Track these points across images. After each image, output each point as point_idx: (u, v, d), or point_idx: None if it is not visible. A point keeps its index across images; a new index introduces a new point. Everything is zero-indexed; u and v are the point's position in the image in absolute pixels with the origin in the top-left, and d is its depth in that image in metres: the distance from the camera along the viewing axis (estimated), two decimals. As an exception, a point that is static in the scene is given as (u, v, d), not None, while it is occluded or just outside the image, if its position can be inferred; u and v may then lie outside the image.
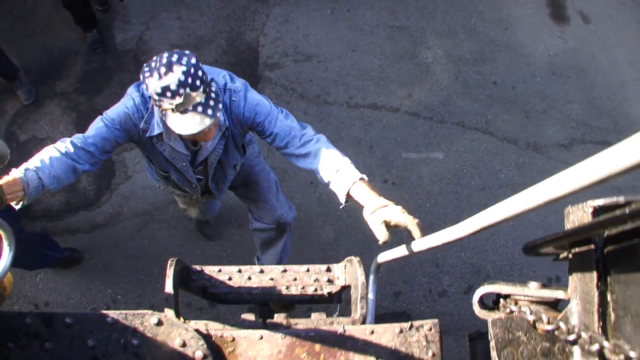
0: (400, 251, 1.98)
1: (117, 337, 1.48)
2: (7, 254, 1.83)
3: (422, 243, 1.85)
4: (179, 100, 2.14)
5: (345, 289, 2.01)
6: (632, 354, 1.02)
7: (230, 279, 1.91)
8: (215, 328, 1.58)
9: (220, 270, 1.92)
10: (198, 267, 1.92)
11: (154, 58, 2.21)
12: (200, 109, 2.19)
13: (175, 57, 2.15)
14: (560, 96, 5.33)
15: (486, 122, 5.11)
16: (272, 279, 1.94)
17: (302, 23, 5.46)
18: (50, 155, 2.27)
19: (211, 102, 2.22)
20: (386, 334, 1.60)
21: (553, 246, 1.52)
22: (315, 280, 1.99)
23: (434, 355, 1.61)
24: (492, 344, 1.37)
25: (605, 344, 1.12)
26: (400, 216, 1.97)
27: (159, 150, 2.60)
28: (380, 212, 2.03)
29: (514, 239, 4.64)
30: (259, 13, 5.44)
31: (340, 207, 2.40)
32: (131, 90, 2.48)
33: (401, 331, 1.61)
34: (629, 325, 1.23)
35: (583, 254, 1.41)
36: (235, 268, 1.95)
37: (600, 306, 1.33)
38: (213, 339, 1.54)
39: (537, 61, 5.49)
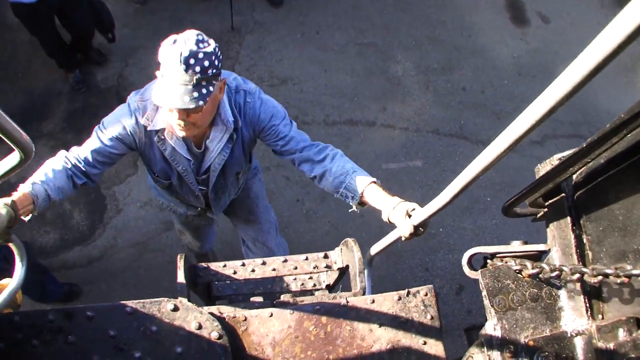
0: (389, 238, 2.11)
1: (136, 325, 1.58)
2: (20, 268, 1.93)
3: (411, 219, 2.00)
4: (170, 69, 2.11)
5: (344, 270, 2.13)
6: (609, 270, 1.15)
7: (235, 272, 2.02)
8: (227, 310, 1.68)
9: (225, 265, 2.03)
10: (204, 264, 2.03)
11: (186, 31, 2.20)
12: (182, 89, 2.13)
13: (198, 37, 2.14)
14: (527, 95, 5.54)
15: (459, 127, 5.30)
16: (274, 270, 2.05)
17: (275, 49, 5.64)
18: (52, 168, 2.30)
19: (195, 94, 2.15)
20: (386, 302, 1.72)
21: (529, 203, 1.66)
22: (314, 267, 2.11)
23: (432, 317, 1.73)
24: (484, 293, 1.50)
25: (585, 269, 1.25)
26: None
27: (160, 151, 2.55)
28: (402, 206, 2.07)
29: (499, 237, 4.79)
30: (232, 42, 5.62)
31: (350, 210, 2.42)
32: (130, 97, 2.48)
33: (400, 298, 1.73)
34: (604, 257, 1.37)
35: (556, 205, 1.55)
36: (239, 262, 2.06)
37: (577, 247, 1.47)
38: (226, 320, 1.64)
39: (502, 64, 5.72)
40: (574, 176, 1.49)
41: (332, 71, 5.58)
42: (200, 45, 2.12)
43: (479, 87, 5.57)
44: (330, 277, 2.32)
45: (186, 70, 2.09)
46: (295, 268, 2.09)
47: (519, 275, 1.51)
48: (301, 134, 2.56)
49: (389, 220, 2.14)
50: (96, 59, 5.24)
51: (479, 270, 1.55)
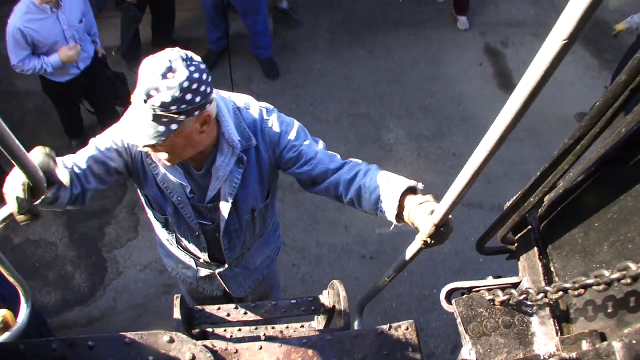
0: (375, 288, 2.20)
1: (134, 354, 1.66)
2: (25, 309, 2.03)
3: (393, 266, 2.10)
4: (137, 98, 1.91)
5: (332, 312, 2.22)
6: (567, 285, 1.26)
7: (228, 314, 2.11)
8: (219, 344, 1.77)
9: (219, 308, 2.13)
10: (199, 307, 2.12)
11: (166, 51, 1.94)
12: (141, 122, 1.92)
13: (168, 65, 1.88)
14: (517, 158, 5.71)
15: (451, 189, 5.46)
16: (265, 312, 2.15)
17: (271, 119, 5.88)
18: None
19: (151, 131, 1.92)
20: (369, 336, 1.81)
21: (500, 238, 1.79)
22: (303, 310, 2.20)
23: (413, 350, 1.82)
24: (459, 320, 1.59)
25: (547, 288, 1.36)
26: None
27: (152, 176, 2.28)
28: (429, 204, 1.91)
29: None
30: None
31: (391, 228, 2.13)
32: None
33: (382, 332, 1.83)
34: (569, 280, 1.48)
35: (525, 238, 1.68)
36: (232, 305, 2.15)
37: (545, 275, 1.58)
38: (219, 352, 1.73)
39: (492, 126, 5.94)
40: (540, 210, 1.62)
41: (327, 140, 5.61)
42: (170, 75, 1.87)
43: (469, 152, 5.64)
44: (320, 324, 2.40)
45: (145, 102, 1.89)
46: (285, 311, 2.18)
47: (492, 304, 1.61)
48: (328, 154, 2.27)
49: (409, 219, 1.94)
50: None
51: (453, 300, 1.65)
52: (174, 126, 1.92)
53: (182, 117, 1.92)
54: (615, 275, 1.10)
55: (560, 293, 1.31)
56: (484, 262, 5.02)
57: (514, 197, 1.58)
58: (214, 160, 2.20)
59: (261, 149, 2.26)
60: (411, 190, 2.05)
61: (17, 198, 1.68)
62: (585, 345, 1.27)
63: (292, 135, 2.23)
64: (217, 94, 2.17)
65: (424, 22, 6.94)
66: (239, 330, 2.13)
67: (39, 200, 1.80)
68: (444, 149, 5.80)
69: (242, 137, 2.20)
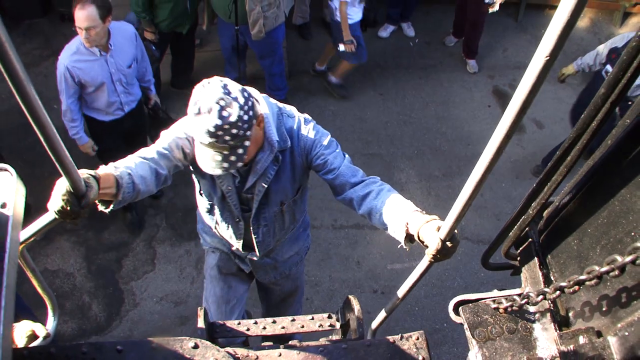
0: (388, 309, 2.31)
1: (160, 359, 1.79)
2: (53, 322, 2.15)
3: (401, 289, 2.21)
4: (203, 140, 2.17)
5: (347, 327, 2.32)
6: (563, 283, 1.37)
7: (248, 329, 2.22)
8: (241, 351, 1.88)
9: (239, 323, 2.24)
10: (220, 322, 2.24)
11: (210, 84, 2.19)
12: (218, 157, 2.20)
13: (220, 104, 2.13)
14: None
15: (461, 228, 5.55)
16: (283, 327, 2.25)
17: (285, 158, 6.06)
18: (133, 160, 2.26)
19: (232, 157, 2.22)
20: (382, 345, 1.92)
21: (504, 254, 1.91)
22: (319, 326, 2.31)
23: (424, 358, 1.92)
24: (466, 326, 1.70)
25: (546, 289, 1.47)
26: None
27: None
28: (436, 222, 2.07)
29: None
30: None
31: (398, 246, 2.34)
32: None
33: (394, 342, 1.93)
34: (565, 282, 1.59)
35: (526, 251, 1.80)
36: (251, 321, 2.26)
37: (545, 284, 1.69)
38: (241, 358, 1.84)
39: (500, 169, 6.06)
40: (539, 224, 1.75)
41: None
42: (224, 113, 2.13)
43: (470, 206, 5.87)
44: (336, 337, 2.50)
45: (217, 142, 2.16)
46: (302, 327, 2.29)
47: (497, 311, 1.72)
48: (351, 169, 2.55)
49: (418, 237, 2.10)
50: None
51: (460, 308, 1.76)
52: (247, 143, 2.26)
53: (248, 133, 2.23)
54: (605, 269, 1.22)
55: (558, 292, 1.42)
56: (494, 296, 5.09)
57: (514, 211, 1.71)
58: (256, 158, 2.50)
59: (296, 153, 2.57)
60: (418, 213, 2.25)
61: (62, 203, 1.78)
62: (582, 339, 1.37)
63: (322, 145, 2.55)
64: (265, 98, 2.53)
65: (435, 65, 7.17)
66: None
67: (109, 206, 2.07)
68: (454, 188, 5.92)
69: (281, 139, 2.50)
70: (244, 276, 3.31)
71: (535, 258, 1.72)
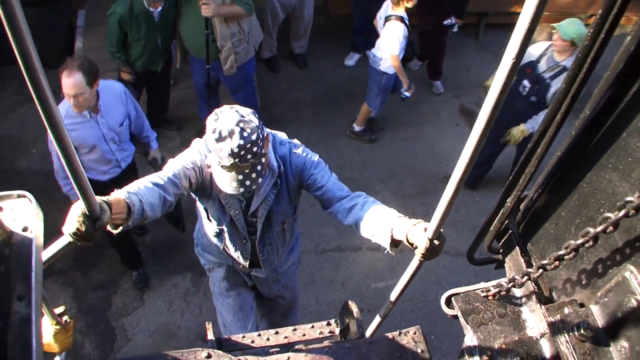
0: (383, 314, 2.44)
1: (175, 370, 1.89)
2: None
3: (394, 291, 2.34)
4: (226, 163, 2.36)
5: (347, 331, 2.44)
6: (545, 261, 1.53)
7: (252, 341, 2.32)
8: (251, 358, 1.99)
9: (244, 337, 2.34)
10: (225, 337, 2.34)
11: (223, 112, 2.40)
12: (241, 177, 2.39)
13: (240, 126, 2.34)
14: (497, 210, 6.04)
15: (440, 242, 5.73)
16: (286, 337, 2.36)
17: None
18: (144, 185, 2.35)
19: (253, 175, 2.42)
20: (382, 342, 2.05)
21: (487, 247, 2.07)
22: (320, 333, 2.42)
23: (422, 351, 2.05)
24: (459, 314, 1.85)
25: (529, 270, 1.63)
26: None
27: (216, 194, 2.73)
28: (422, 224, 2.23)
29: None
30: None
31: (385, 251, 2.52)
32: (196, 140, 2.71)
33: (393, 338, 2.06)
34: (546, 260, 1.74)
35: (508, 242, 1.96)
36: (255, 333, 2.37)
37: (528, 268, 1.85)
38: (250, 365, 1.95)
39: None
40: (517, 216, 1.91)
41: (318, 206, 6.05)
42: (245, 133, 2.35)
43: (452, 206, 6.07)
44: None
45: (240, 162, 2.37)
46: (304, 335, 2.40)
47: (487, 299, 1.87)
48: (337, 185, 2.78)
49: (407, 240, 2.25)
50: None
51: (452, 299, 1.90)
52: (263, 160, 2.48)
53: (263, 151, 2.47)
54: (580, 241, 1.39)
55: (540, 271, 1.58)
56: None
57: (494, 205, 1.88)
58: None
59: (289, 177, 2.81)
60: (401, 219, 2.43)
61: (77, 225, 1.86)
62: (567, 310, 1.53)
63: (312, 166, 2.80)
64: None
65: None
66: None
67: (118, 228, 2.13)
68: (429, 206, 6.10)
69: (277, 164, 2.74)
70: (249, 288, 3.51)
71: (517, 247, 1.88)
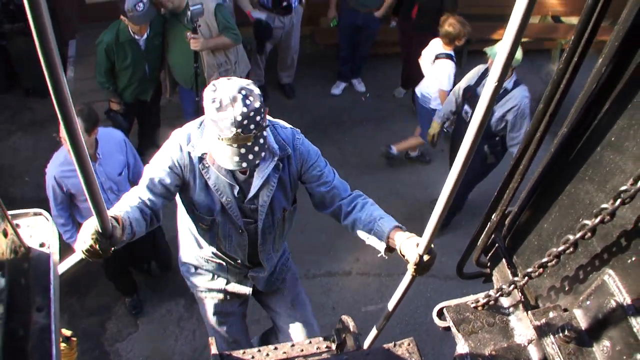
0: (378, 328, 2.53)
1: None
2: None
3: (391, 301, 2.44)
4: (227, 134, 2.21)
5: (343, 345, 2.52)
6: (529, 269, 1.65)
7: (253, 357, 2.39)
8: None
9: (244, 352, 2.41)
10: (227, 352, 2.40)
11: (223, 82, 2.28)
12: (243, 150, 2.25)
13: (242, 93, 2.21)
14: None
15: (428, 266, 5.83)
16: (284, 353, 2.43)
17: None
18: (127, 203, 2.34)
19: (256, 148, 2.27)
20: (378, 353, 2.14)
21: (476, 262, 2.18)
22: (317, 348, 2.50)
23: (416, 360, 2.15)
24: (451, 323, 1.95)
25: (515, 278, 1.74)
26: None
27: (204, 181, 2.57)
28: (415, 239, 2.38)
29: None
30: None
31: (378, 255, 2.59)
32: (174, 132, 2.60)
33: (388, 349, 2.15)
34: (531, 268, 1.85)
35: (495, 256, 2.07)
36: (255, 349, 2.43)
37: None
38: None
39: (456, 208, 6.42)
40: (503, 231, 2.03)
41: (308, 231, 6.13)
42: (247, 101, 2.22)
43: (441, 231, 6.20)
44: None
45: (243, 132, 2.22)
46: (302, 350, 2.48)
47: (476, 309, 1.97)
48: (343, 183, 2.75)
49: (400, 252, 2.37)
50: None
51: (444, 309, 2.01)
52: (265, 133, 2.35)
53: (266, 123, 2.35)
54: (561, 248, 1.50)
55: (526, 279, 1.70)
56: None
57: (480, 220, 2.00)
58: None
59: (292, 161, 2.67)
60: (399, 228, 2.62)
61: (91, 242, 1.90)
62: (552, 314, 1.63)
63: (317, 157, 2.72)
64: None
65: (387, 117, 7.58)
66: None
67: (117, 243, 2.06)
68: (417, 230, 6.13)
69: (280, 147, 2.61)
70: (243, 306, 3.38)
71: (503, 260, 1.99)
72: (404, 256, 2.40)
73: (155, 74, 5.79)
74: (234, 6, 6.41)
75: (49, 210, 3.93)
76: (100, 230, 1.87)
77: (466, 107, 5.35)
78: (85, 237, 1.93)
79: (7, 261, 1.44)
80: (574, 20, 8.41)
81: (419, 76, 7.36)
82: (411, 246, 2.34)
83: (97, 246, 1.92)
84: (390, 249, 2.58)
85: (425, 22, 6.80)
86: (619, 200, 1.30)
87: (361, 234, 2.66)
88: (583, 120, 1.54)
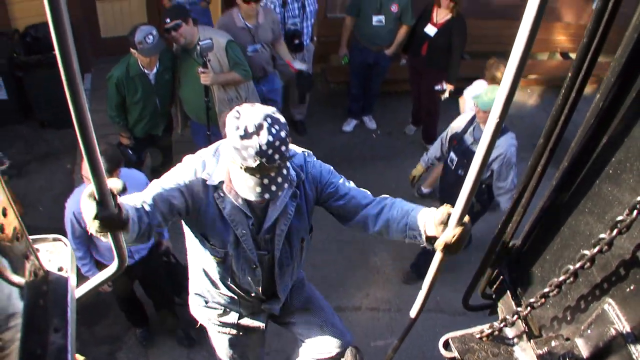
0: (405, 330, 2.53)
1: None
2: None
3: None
4: (251, 163, 2.13)
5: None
6: (532, 299, 1.69)
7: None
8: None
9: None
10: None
11: (247, 108, 2.20)
12: (266, 181, 2.18)
13: (268, 121, 2.14)
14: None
15: (436, 302, 5.83)
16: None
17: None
18: (127, 202, 2.15)
19: (279, 179, 2.20)
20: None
21: (481, 294, 2.21)
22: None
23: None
24: (456, 354, 1.97)
25: (519, 308, 1.78)
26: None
27: (218, 211, 2.47)
28: (444, 208, 2.13)
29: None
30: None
31: (421, 245, 2.37)
32: (187, 157, 2.48)
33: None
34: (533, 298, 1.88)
35: (499, 288, 2.11)
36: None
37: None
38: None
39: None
40: (507, 262, 2.07)
41: (318, 265, 6.16)
42: (273, 130, 2.14)
43: (451, 268, 6.21)
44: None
45: (267, 163, 2.14)
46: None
47: (481, 340, 2.00)
48: (361, 192, 2.58)
49: (434, 224, 2.15)
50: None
51: (449, 340, 2.04)
52: (288, 164, 2.30)
53: (290, 153, 2.27)
54: (562, 278, 1.55)
55: (529, 309, 1.73)
56: None
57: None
58: None
59: (307, 187, 2.57)
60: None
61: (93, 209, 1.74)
62: (554, 343, 1.67)
63: (330, 174, 2.60)
64: None
65: (397, 154, 7.66)
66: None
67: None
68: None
69: (296, 172, 2.52)
70: (258, 339, 3.27)
71: (508, 291, 2.02)
72: (434, 235, 2.16)
73: (166, 109, 5.85)
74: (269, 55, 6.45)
75: (66, 242, 4.08)
76: (96, 197, 1.69)
77: (452, 154, 5.26)
78: (88, 207, 1.75)
79: (27, 283, 1.50)
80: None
81: (429, 113, 7.49)
82: (442, 213, 2.11)
83: (106, 221, 1.76)
84: (429, 239, 2.30)
85: (435, 59, 6.94)
86: (615, 230, 1.35)
87: (397, 234, 2.44)
88: (582, 154, 1.60)
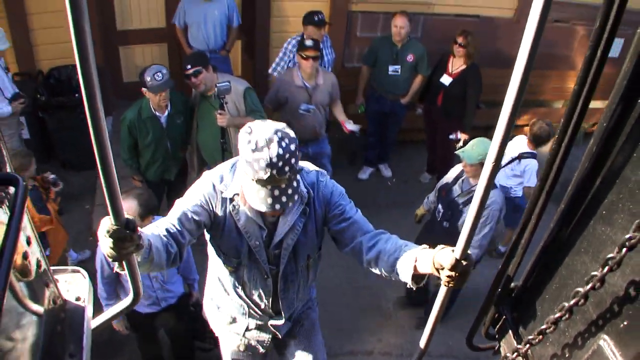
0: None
1: None
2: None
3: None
4: (262, 175, 2.20)
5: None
6: (530, 336, 1.73)
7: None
8: None
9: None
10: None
11: (258, 124, 2.31)
12: (277, 192, 2.25)
13: (278, 135, 2.22)
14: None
15: (448, 347, 5.79)
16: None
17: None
18: (152, 232, 2.26)
19: (289, 191, 2.27)
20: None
21: (484, 334, 2.25)
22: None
23: None
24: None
25: (518, 346, 1.82)
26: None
27: (233, 222, 2.58)
28: (449, 247, 2.05)
29: None
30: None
31: (407, 286, 2.40)
32: (206, 172, 2.62)
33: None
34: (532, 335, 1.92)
35: (502, 327, 2.15)
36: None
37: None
38: None
39: (468, 291, 6.38)
40: (509, 303, 2.11)
41: (329, 308, 6.05)
42: (283, 143, 2.23)
43: (461, 313, 6.15)
44: None
45: (278, 175, 2.22)
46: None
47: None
48: (364, 219, 2.69)
49: (433, 264, 2.10)
50: None
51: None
52: (298, 176, 2.38)
53: (300, 166, 2.38)
54: (557, 315, 1.60)
55: (528, 345, 1.78)
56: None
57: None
58: None
59: (317, 205, 2.66)
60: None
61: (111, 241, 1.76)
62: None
63: (340, 197, 2.69)
64: None
65: (413, 202, 7.61)
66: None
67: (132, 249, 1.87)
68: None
69: (306, 190, 2.62)
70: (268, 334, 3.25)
71: (510, 331, 2.07)
72: (438, 269, 2.11)
73: (179, 153, 5.85)
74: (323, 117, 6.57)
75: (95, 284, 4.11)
76: (114, 223, 1.71)
77: (439, 206, 5.24)
78: (103, 233, 1.76)
79: (45, 310, 1.58)
80: (599, 104, 8.59)
81: (444, 162, 7.54)
82: (446, 252, 2.06)
83: (117, 236, 1.75)
84: (416, 279, 2.36)
85: (450, 108, 7.05)
86: (607, 267, 1.41)
87: (386, 267, 2.49)
88: (578, 196, 1.67)
